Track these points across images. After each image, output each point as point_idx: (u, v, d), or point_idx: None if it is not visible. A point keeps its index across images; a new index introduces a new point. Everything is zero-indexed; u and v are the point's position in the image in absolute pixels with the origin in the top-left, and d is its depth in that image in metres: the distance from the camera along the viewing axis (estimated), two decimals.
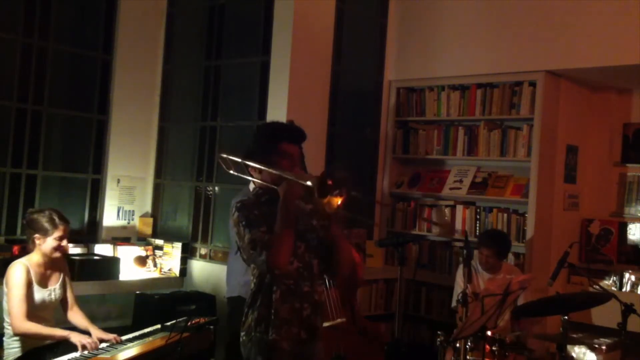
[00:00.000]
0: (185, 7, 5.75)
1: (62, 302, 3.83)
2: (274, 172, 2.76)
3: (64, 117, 5.27)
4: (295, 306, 2.81)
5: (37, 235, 3.64)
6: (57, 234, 3.67)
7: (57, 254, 3.71)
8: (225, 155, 2.97)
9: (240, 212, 2.78)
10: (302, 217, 2.87)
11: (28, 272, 3.61)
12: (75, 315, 3.86)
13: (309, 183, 2.58)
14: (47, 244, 3.65)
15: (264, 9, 5.10)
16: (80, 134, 5.38)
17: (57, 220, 3.68)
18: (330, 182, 2.57)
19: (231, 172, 2.99)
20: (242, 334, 2.86)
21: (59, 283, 3.78)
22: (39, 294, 3.66)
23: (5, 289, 3.61)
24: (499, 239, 4.65)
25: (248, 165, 2.90)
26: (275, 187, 2.77)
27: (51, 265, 3.73)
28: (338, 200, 2.59)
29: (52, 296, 3.73)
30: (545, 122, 5.05)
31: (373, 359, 4.44)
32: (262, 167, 2.81)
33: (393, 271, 5.23)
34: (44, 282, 3.70)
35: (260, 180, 2.88)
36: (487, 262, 4.54)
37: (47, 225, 3.65)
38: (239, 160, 2.92)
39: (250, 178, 2.94)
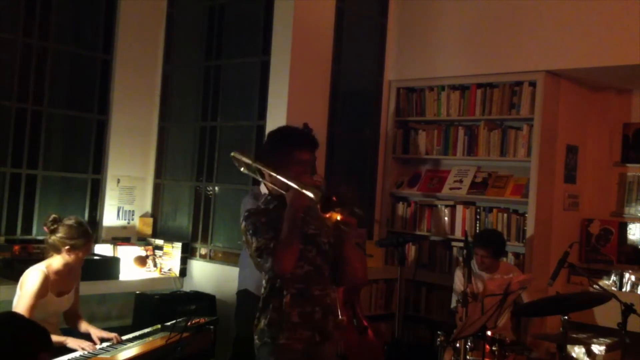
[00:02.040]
0: (185, 7, 5.75)
1: (68, 308, 3.81)
2: (281, 179, 2.75)
3: (64, 117, 5.27)
4: (306, 310, 2.82)
5: (67, 247, 3.60)
6: (88, 248, 3.68)
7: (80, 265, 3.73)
8: (238, 156, 2.97)
9: (247, 221, 2.81)
10: (314, 221, 2.87)
11: (46, 280, 3.55)
12: (79, 323, 3.85)
13: (312, 196, 2.57)
14: (77, 256, 3.63)
15: (264, 9, 5.10)
16: (80, 134, 5.38)
17: (90, 234, 3.68)
18: (334, 199, 2.56)
19: (242, 170, 2.99)
20: (255, 337, 2.87)
21: (72, 291, 3.76)
22: (53, 303, 3.63)
23: (18, 291, 3.57)
24: (492, 238, 4.65)
25: (259, 168, 2.91)
26: (284, 192, 2.77)
27: (69, 271, 3.70)
28: (337, 217, 2.59)
29: (65, 304, 3.72)
30: (545, 122, 5.05)
31: (373, 359, 4.44)
32: (271, 173, 2.82)
33: (393, 271, 5.23)
34: (59, 291, 3.67)
35: (270, 183, 2.89)
36: (483, 262, 4.53)
37: (81, 241, 3.62)
38: (250, 162, 2.93)
39: (260, 179, 2.95)
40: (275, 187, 2.85)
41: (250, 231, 2.77)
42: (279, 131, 3.09)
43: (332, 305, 2.91)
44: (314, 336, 2.82)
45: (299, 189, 2.65)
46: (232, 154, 3.01)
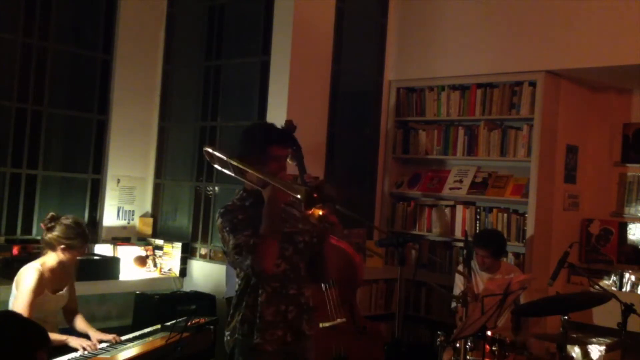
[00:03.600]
0: (185, 7, 5.75)
1: (65, 306, 3.82)
2: (262, 177, 2.72)
3: (64, 117, 5.27)
4: (281, 309, 2.80)
5: (63, 247, 3.60)
6: (84, 248, 3.69)
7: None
8: (210, 150, 2.90)
9: (224, 218, 2.77)
10: (290, 220, 2.87)
11: (42, 278, 3.56)
12: (75, 319, 3.86)
13: (298, 196, 2.57)
14: (72, 255, 3.64)
15: (264, 9, 5.10)
16: (80, 134, 5.38)
17: (87, 235, 3.68)
18: (315, 196, 2.56)
19: (215, 166, 2.92)
20: (227, 333, 2.86)
21: (67, 288, 3.76)
22: (49, 300, 3.63)
23: (14, 291, 3.57)
24: (493, 238, 4.64)
25: (234, 165, 2.84)
26: (260, 188, 2.75)
27: (62, 269, 3.70)
28: (319, 213, 2.60)
29: (60, 301, 3.73)
30: (545, 122, 5.05)
31: (373, 359, 4.44)
32: (250, 170, 2.77)
33: (393, 271, 5.23)
34: (54, 287, 3.67)
35: (245, 180, 2.85)
36: (484, 262, 4.53)
37: (78, 241, 3.62)
38: (224, 157, 2.86)
39: (234, 175, 2.88)
40: (251, 183, 2.82)
41: (227, 228, 2.74)
42: (254, 127, 3.07)
43: (307, 305, 2.90)
44: (286, 336, 2.81)
45: (284, 188, 2.63)
46: (204, 148, 2.94)
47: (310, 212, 2.59)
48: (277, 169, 2.79)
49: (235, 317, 2.83)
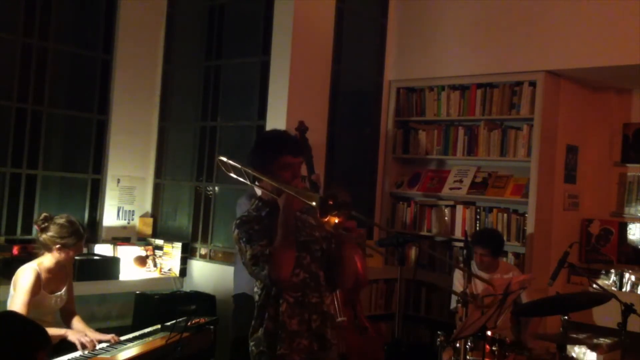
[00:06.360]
0: (185, 7, 5.75)
1: (63, 307, 3.82)
2: (276, 185, 2.72)
3: (64, 117, 5.27)
4: (304, 317, 2.78)
5: (58, 246, 3.60)
6: (79, 246, 3.68)
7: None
8: (225, 160, 2.94)
9: (240, 229, 2.76)
10: (305, 228, 2.85)
11: (38, 278, 3.57)
12: (73, 320, 3.85)
13: (313, 204, 2.57)
14: (67, 255, 3.64)
15: (264, 9, 5.11)
16: (80, 134, 5.38)
17: (82, 233, 3.67)
18: (331, 203, 2.55)
19: (231, 174, 2.96)
20: (252, 344, 2.84)
21: (65, 288, 3.76)
22: (47, 300, 3.64)
23: (12, 291, 3.59)
24: (492, 237, 4.65)
25: (248, 172, 2.86)
26: (276, 196, 2.75)
27: (60, 269, 3.71)
28: (335, 220, 2.58)
29: (59, 301, 3.73)
30: (545, 122, 5.06)
31: (373, 359, 4.44)
32: (264, 178, 2.78)
33: (393, 271, 5.22)
34: (52, 288, 3.68)
35: (261, 188, 2.86)
36: (483, 261, 4.53)
37: (72, 240, 3.62)
38: (239, 166, 2.89)
39: (248, 183, 2.91)
40: (267, 192, 2.82)
41: (244, 239, 2.73)
42: (262, 137, 3.09)
43: (328, 312, 2.88)
44: (312, 345, 2.79)
45: (298, 196, 2.63)
46: (219, 159, 2.97)
47: (326, 219, 2.58)
48: (290, 177, 2.78)
49: (259, 329, 2.81)
